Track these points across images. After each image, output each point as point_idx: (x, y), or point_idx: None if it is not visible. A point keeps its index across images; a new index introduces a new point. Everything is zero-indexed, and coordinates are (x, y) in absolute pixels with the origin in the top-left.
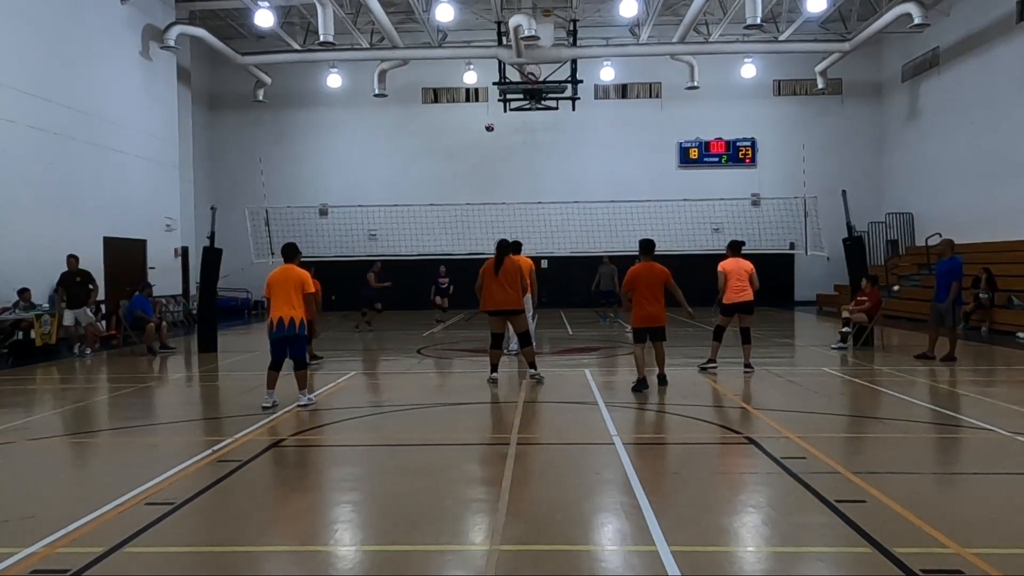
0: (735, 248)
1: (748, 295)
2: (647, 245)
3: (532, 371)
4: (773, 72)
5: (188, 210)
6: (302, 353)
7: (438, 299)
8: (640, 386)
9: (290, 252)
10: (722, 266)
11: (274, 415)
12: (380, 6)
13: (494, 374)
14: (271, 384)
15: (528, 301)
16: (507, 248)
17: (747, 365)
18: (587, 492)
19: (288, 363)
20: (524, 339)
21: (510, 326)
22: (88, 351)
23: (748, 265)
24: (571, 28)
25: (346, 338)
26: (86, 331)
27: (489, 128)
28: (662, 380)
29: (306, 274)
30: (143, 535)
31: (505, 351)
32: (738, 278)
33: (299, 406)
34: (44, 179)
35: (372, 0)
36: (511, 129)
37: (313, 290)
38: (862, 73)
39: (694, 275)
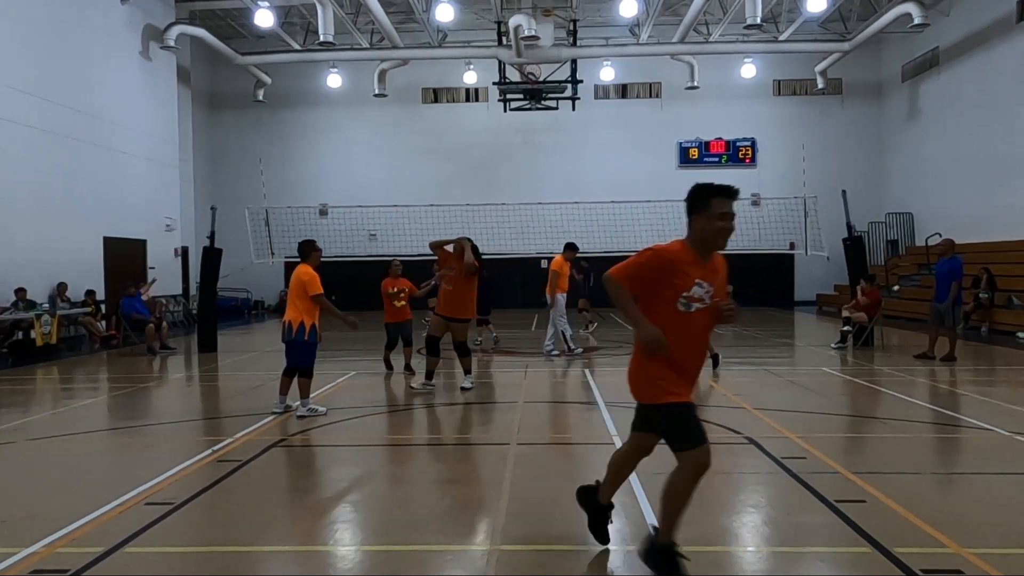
0: None
1: None
2: None
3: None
4: (773, 72)
5: (188, 210)
6: (296, 360)
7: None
8: None
9: (301, 250)
10: None
11: (273, 415)
12: (380, 6)
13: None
14: (282, 390)
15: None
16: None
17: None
18: None
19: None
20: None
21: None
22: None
23: None
24: (571, 28)
25: (345, 338)
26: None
27: None
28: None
29: (303, 274)
30: (143, 535)
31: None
32: None
33: (297, 416)
34: (44, 179)
35: (372, 0)
36: (511, 129)
37: (315, 292)
38: (862, 73)
39: None
